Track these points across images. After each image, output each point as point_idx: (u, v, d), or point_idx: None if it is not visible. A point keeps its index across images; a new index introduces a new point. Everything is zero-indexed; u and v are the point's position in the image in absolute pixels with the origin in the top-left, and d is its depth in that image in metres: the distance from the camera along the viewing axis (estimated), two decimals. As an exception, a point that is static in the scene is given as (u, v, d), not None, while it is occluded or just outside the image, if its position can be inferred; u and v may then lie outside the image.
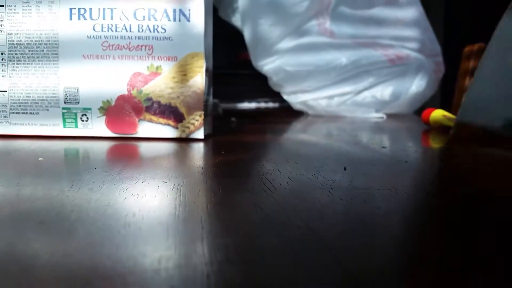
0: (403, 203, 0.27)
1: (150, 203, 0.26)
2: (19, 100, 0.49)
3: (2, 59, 0.49)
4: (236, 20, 0.85)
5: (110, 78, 0.49)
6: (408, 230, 0.24)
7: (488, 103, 0.23)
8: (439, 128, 0.64)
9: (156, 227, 0.22)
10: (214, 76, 0.55)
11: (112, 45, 0.49)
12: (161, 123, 0.50)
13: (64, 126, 0.50)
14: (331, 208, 0.26)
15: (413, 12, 0.91)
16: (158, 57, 0.49)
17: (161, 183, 0.30)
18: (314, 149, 0.48)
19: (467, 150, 0.24)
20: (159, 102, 0.49)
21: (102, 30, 0.49)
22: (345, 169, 0.36)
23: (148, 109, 0.49)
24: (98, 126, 0.50)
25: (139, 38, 0.49)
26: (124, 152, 0.44)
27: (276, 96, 0.89)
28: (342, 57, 0.81)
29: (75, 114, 0.49)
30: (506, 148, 0.23)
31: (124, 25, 0.49)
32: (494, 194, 0.23)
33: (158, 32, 0.49)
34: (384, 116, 0.81)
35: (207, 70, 0.50)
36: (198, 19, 0.48)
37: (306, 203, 0.27)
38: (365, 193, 0.29)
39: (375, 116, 0.82)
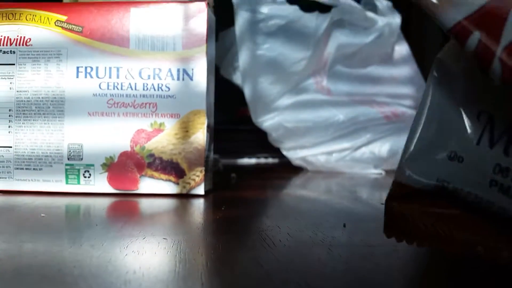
0: (403, 260, 0.27)
1: (150, 260, 0.26)
2: (23, 156, 0.50)
3: (9, 116, 0.50)
4: (237, 78, 0.87)
5: (114, 135, 0.50)
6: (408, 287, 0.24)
7: (422, 164, 0.24)
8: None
9: (156, 284, 0.22)
10: (215, 131, 0.56)
11: (117, 103, 0.50)
12: (163, 179, 0.50)
13: (67, 183, 0.50)
14: (331, 265, 0.26)
15: (408, 70, 0.94)
16: (161, 114, 0.50)
17: (161, 239, 0.30)
18: (314, 205, 0.49)
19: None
20: (161, 158, 0.50)
21: (108, 88, 0.50)
22: (344, 226, 0.36)
23: (150, 165, 0.50)
24: (100, 183, 0.50)
25: (143, 96, 0.50)
26: (125, 208, 0.45)
27: (275, 151, 0.90)
28: (340, 114, 0.83)
29: (78, 170, 0.50)
30: (439, 207, 0.24)
31: (130, 84, 0.50)
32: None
33: (162, 90, 0.50)
34: (383, 172, 0.82)
35: (208, 127, 0.52)
36: (201, 78, 0.50)
37: (306, 260, 0.27)
38: (365, 250, 0.29)
39: (374, 172, 0.82)
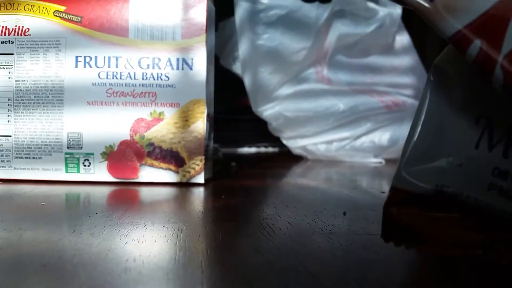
0: (402, 249, 0.27)
1: (150, 248, 0.26)
2: (22, 145, 0.50)
3: (8, 105, 0.50)
4: (237, 68, 0.87)
5: (114, 124, 0.50)
6: (407, 276, 0.24)
7: (421, 169, 0.24)
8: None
9: (157, 272, 0.22)
10: (215, 121, 0.56)
11: (117, 92, 0.50)
12: (162, 168, 0.50)
13: (66, 171, 0.50)
14: (330, 253, 0.26)
15: (409, 60, 0.93)
16: (161, 104, 0.50)
17: (161, 228, 0.31)
18: (314, 193, 0.49)
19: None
20: (160, 147, 0.50)
21: (107, 78, 0.50)
22: (344, 214, 0.36)
23: (149, 154, 0.50)
24: (100, 171, 0.50)
25: (143, 85, 0.50)
26: (125, 197, 0.45)
27: (276, 141, 0.90)
28: (340, 103, 0.83)
29: (78, 159, 0.50)
30: (438, 211, 0.24)
31: (129, 73, 0.50)
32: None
33: (161, 79, 0.50)
34: (383, 161, 0.82)
35: (208, 116, 0.51)
36: (200, 67, 0.50)
37: (306, 248, 0.27)
38: (365, 238, 0.29)
39: (374, 161, 0.82)
